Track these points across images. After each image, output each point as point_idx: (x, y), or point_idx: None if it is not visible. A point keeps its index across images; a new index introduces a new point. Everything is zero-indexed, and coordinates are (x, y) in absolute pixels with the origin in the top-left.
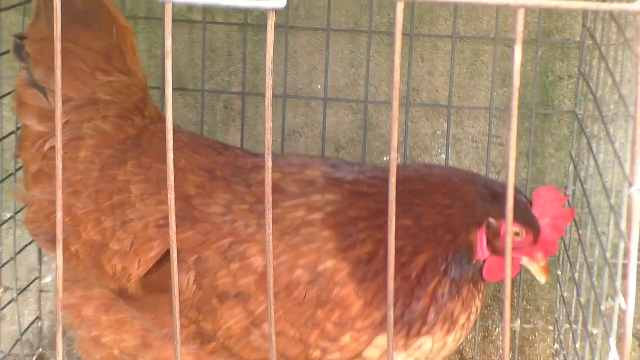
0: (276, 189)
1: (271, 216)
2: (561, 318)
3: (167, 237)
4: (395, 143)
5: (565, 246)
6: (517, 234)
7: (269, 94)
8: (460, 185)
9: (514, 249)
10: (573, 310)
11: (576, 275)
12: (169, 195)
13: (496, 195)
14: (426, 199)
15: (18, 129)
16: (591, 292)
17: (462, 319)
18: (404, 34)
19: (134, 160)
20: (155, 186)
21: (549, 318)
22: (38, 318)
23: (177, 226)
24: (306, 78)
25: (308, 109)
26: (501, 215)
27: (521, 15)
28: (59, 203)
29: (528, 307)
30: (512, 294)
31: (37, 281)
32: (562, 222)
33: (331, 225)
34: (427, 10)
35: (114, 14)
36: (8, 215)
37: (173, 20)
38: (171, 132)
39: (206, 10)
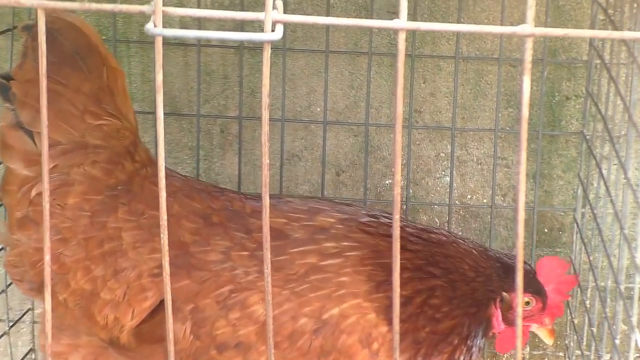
0: (280, 234)
1: (269, 257)
2: (572, 344)
3: (162, 287)
4: (398, 177)
5: (574, 270)
6: (527, 303)
7: (265, 129)
8: (479, 259)
9: (524, 317)
10: (585, 336)
11: (587, 302)
12: (162, 239)
13: (507, 268)
14: (457, 267)
15: None
16: (604, 322)
17: None
18: (406, 55)
19: (125, 206)
20: (148, 233)
21: (559, 343)
22: (31, 350)
23: (172, 274)
24: (305, 100)
25: (307, 132)
26: (513, 288)
27: (529, 45)
28: (47, 247)
29: None
30: None
31: (30, 312)
32: (567, 287)
33: (355, 271)
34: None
35: (104, 55)
36: None
37: (166, 44)
38: (163, 171)
39: None
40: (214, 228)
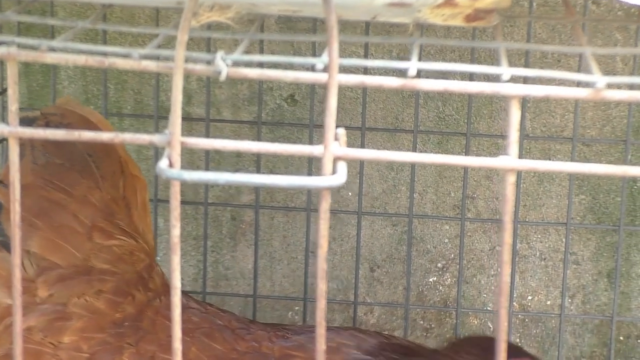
0: None
1: None
2: None
3: None
4: None
5: None
6: None
7: (321, 306)
8: None
9: None
10: None
11: None
12: None
13: None
14: None
15: None
16: None
17: None
18: (457, 133)
19: (131, 348)
20: None
21: None
22: None
23: None
24: None
25: (336, 220)
26: None
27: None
28: None
29: None
30: None
31: None
32: None
33: None
34: (485, 102)
35: (124, 160)
36: None
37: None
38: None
39: (210, 103)
40: None
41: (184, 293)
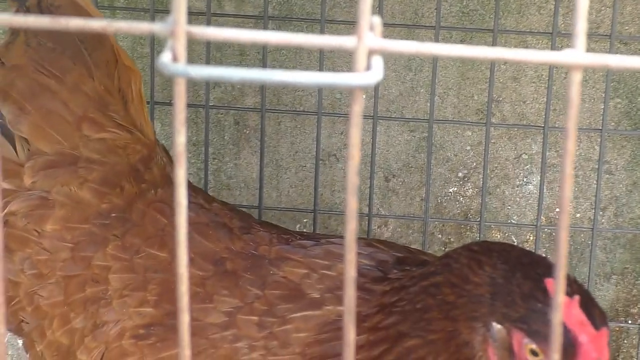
0: (296, 293)
1: None
2: None
3: (146, 353)
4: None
5: None
6: (533, 353)
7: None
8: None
9: None
10: None
11: None
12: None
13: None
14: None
15: None
16: None
17: None
18: (482, 29)
19: (117, 240)
20: (140, 278)
21: None
22: None
23: (161, 340)
24: None
25: (348, 125)
26: (512, 319)
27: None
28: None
29: None
30: None
31: None
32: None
33: None
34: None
35: (117, 50)
36: None
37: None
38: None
39: None
40: (224, 279)
41: (191, 185)
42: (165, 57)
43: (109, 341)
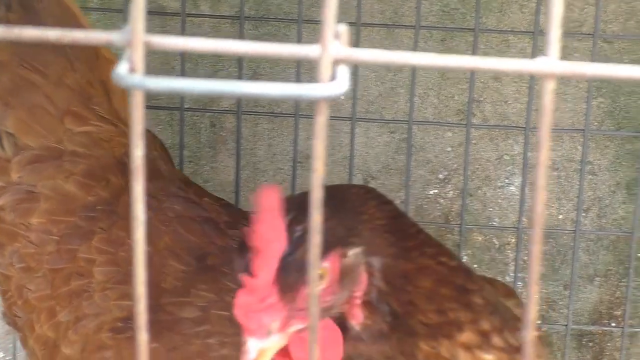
0: None
1: None
2: None
3: (123, 347)
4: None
5: None
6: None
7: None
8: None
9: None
10: None
11: None
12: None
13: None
14: None
15: None
16: None
17: None
18: (463, 29)
19: (103, 233)
20: (123, 272)
21: None
22: None
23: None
24: None
25: (328, 128)
26: None
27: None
28: None
29: None
30: None
31: None
32: None
33: None
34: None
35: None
36: None
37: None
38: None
39: None
40: (203, 273)
41: (184, 179)
42: (121, 68)
43: (89, 334)
